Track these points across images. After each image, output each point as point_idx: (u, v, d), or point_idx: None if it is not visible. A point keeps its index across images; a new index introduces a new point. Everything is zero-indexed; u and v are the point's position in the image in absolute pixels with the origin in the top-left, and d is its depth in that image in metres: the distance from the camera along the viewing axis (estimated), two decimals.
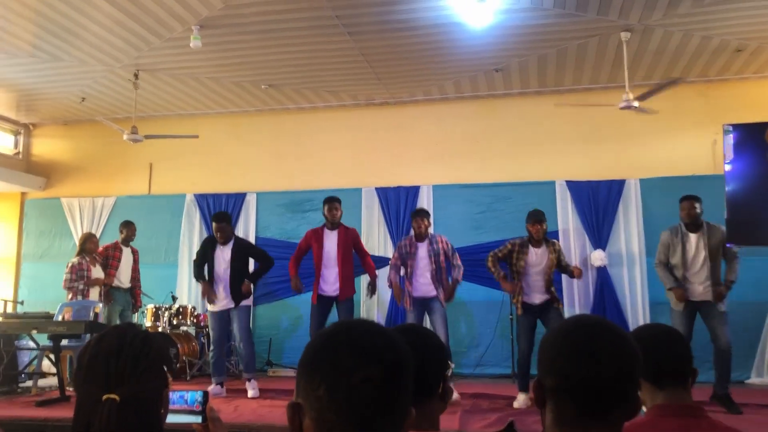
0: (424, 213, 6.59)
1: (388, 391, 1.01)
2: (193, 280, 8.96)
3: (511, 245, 6.13)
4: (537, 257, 6.07)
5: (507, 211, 8.41)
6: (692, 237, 5.80)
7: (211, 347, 6.71)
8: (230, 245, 6.66)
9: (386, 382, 1.01)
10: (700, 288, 5.71)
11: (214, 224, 6.67)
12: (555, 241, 6.32)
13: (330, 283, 6.58)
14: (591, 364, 1.21)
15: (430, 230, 6.64)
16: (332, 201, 6.75)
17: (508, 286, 6.09)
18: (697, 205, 5.79)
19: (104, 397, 1.27)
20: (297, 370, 1.06)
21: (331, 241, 6.64)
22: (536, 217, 6.09)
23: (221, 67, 7.70)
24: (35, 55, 7.32)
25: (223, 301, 6.59)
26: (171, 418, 1.46)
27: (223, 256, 6.61)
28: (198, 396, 1.48)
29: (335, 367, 1.00)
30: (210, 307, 6.67)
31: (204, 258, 6.67)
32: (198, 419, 1.46)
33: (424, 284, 6.38)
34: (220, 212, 7.02)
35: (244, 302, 6.61)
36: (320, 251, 6.60)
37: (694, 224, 5.79)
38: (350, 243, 6.71)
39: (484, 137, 8.75)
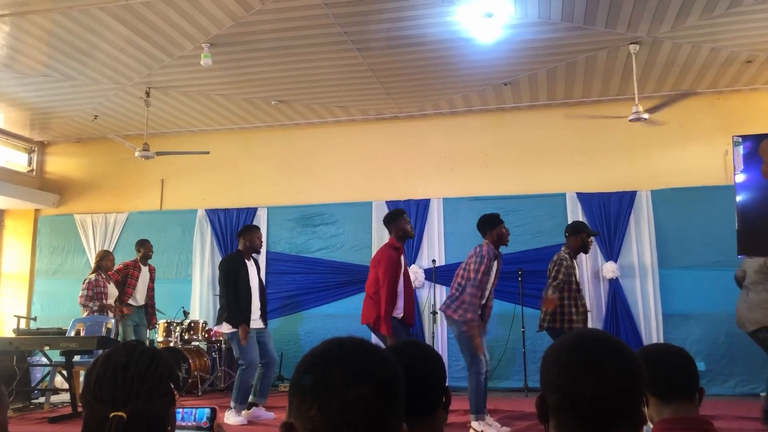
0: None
1: (381, 408, 1.01)
2: (205, 294, 9.06)
3: (566, 260, 5.60)
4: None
5: (517, 223, 8.37)
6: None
7: (242, 366, 5.93)
8: (253, 260, 6.29)
9: (378, 399, 1.01)
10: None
11: (256, 232, 6.24)
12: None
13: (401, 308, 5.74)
14: (595, 382, 1.20)
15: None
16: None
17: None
18: None
19: (111, 414, 1.28)
20: (289, 390, 1.07)
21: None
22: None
23: (232, 83, 7.77)
24: (48, 75, 7.42)
25: (258, 320, 6.12)
26: None
27: (252, 272, 6.16)
28: (206, 413, 1.49)
29: (327, 386, 1.01)
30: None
31: (238, 279, 6.02)
32: None
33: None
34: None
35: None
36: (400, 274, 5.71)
37: None
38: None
39: (493, 150, 8.76)
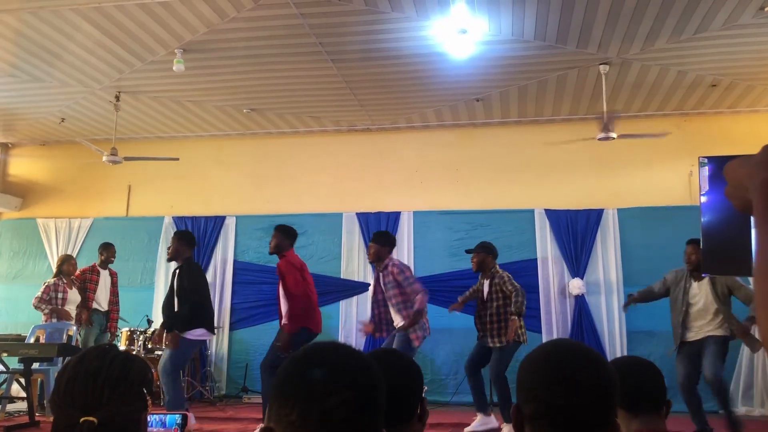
0: (374, 236, 6.30)
1: (362, 415, 1.01)
2: None
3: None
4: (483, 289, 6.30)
5: (486, 238, 8.37)
6: (694, 285, 5.64)
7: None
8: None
9: (360, 406, 1.00)
10: (701, 333, 5.60)
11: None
12: (500, 273, 6.25)
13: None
14: (569, 392, 1.22)
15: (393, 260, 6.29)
16: None
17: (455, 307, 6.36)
18: (693, 249, 5.53)
19: (82, 419, 1.25)
20: (270, 394, 1.05)
21: None
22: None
23: (204, 90, 7.70)
24: (15, 75, 7.28)
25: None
26: None
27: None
28: (177, 419, 1.46)
29: (308, 392, 1.00)
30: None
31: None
32: None
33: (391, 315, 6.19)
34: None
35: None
36: None
37: (698, 271, 5.55)
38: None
39: (464, 165, 8.82)
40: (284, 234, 6.09)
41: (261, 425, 5.69)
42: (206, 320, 5.86)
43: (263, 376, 5.85)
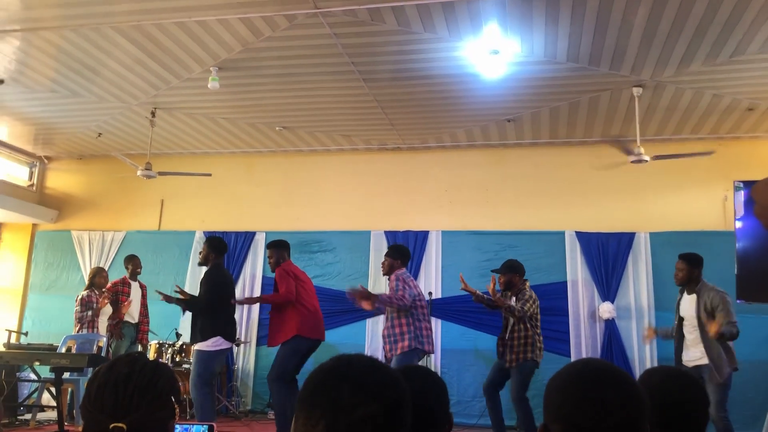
0: (388, 250, 6.39)
1: (388, 428, 1.00)
2: None
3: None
4: None
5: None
6: (685, 298, 5.57)
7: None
8: None
9: (386, 419, 0.99)
10: (691, 355, 5.47)
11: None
12: (528, 292, 6.18)
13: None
14: (598, 412, 1.20)
15: (421, 288, 6.45)
16: None
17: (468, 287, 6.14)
18: (680, 265, 5.56)
19: (111, 425, 1.27)
20: (296, 404, 1.05)
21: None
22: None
23: (237, 108, 7.82)
24: (55, 90, 7.47)
25: None
26: None
27: None
28: (203, 430, 1.47)
29: (335, 404, 0.99)
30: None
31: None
32: None
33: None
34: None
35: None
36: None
37: (686, 286, 5.55)
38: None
39: (494, 185, 8.79)
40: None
41: None
42: (223, 329, 5.85)
43: (272, 389, 5.94)
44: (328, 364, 1.06)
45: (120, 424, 1.27)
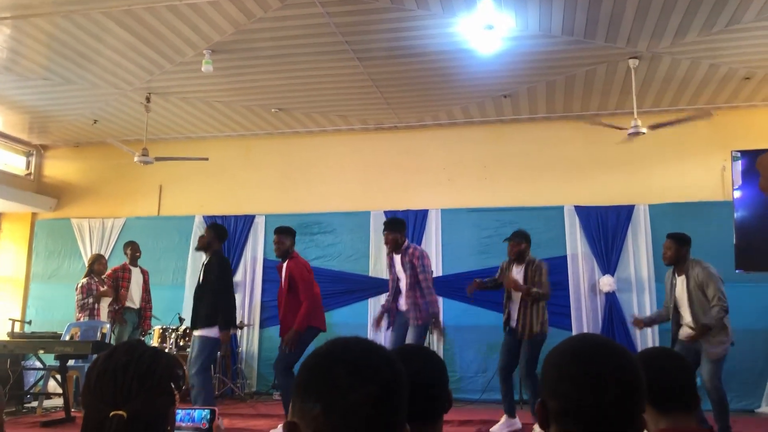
0: (387, 225, 6.24)
1: (385, 410, 1.01)
2: None
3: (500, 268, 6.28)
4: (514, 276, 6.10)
5: None
6: (678, 280, 5.49)
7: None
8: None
9: (383, 401, 1.00)
10: (684, 331, 5.41)
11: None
12: (536, 261, 6.13)
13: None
14: (596, 388, 1.20)
15: (414, 244, 6.42)
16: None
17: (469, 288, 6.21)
18: (668, 243, 5.51)
19: (111, 413, 1.28)
20: (292, 390, 1.06)
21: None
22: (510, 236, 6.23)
23: (232, 91, 7.78)
24: (48, 78, 7.43)
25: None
26: None
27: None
28: (205, 414, 1.48)
29: (332, 387, 1.00)
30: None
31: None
32: None
33: (403, 299, 6.14)
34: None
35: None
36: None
37: (675, 266, 5.50)
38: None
39: (492, 162, 8.78)
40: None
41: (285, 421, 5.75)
42: (224, 318, 5.81)
43: (279, 379, 5.95)
44: (323, 348, 1.07)
45: (120, 412, 1.28)
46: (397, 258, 6.16)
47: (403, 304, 6.07)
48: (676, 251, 5.47)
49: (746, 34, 6.16)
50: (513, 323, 6.02)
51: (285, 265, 5.99)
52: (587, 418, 1.20)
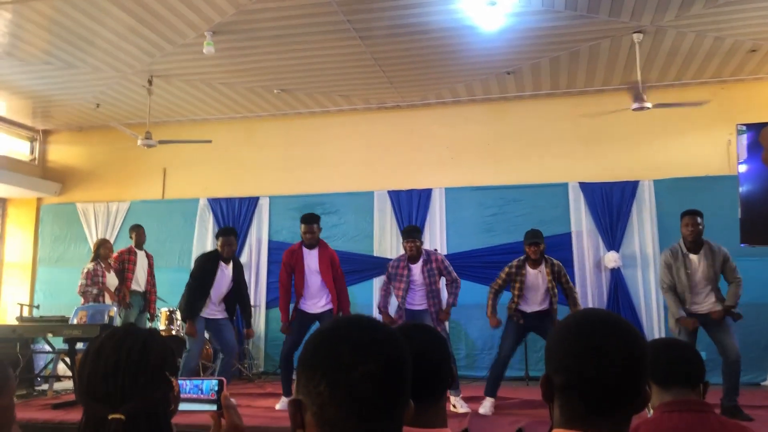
0: (415, 233, 6.14)
1: (389, 386, 1.02)
2: None
3: (508, 268, 5.95)
4: (533, 278, 5.87)
5: (518, 213, 8.40)
6: (693, 259, 5.43)
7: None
8: (231, 264, 6.21)
9: (387, 376, 1.02)
10: (704, 306, 5.42)
11: (222, 238, 6.09)
12: (554, 260, 5.99)
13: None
14: (600, 363, 1.20)
15: (426, 246, 6.47)
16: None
17: (493, 321, 6.03)
18: (700, 220, 5.40)
19: (110, 417, 1.28)
20: (297, 367, 1.07)
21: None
22: (532, 239, 5.84)
23: (234, 72, 7.75)
24: (50, 63, 7.41)
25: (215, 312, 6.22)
26: (186, 407, 1.47)
27: (223, 272, 6.12)
28: (213, 384, 1.49)
29: (336, 364, 1.01)
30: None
31: (204, 278, 6.08)
32: (213, 407, 1.46)
33: (417, 299, 6.15)
34: (228, 227, 6.78)
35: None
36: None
37: (696, 243, 5.42)
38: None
39: (496, 140, 8.75)
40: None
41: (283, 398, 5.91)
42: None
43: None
44: (327, 326, 1.08)
45: (118, 415, 1.28)
46: (416, 267, 6.09)
47: (422, 304, 6.13)
48: (703, 228, 5.44)
49: (752, 5, 6.09)
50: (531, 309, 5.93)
51: (319, 251, 6.09)
52: (590, 391, 1.21)
